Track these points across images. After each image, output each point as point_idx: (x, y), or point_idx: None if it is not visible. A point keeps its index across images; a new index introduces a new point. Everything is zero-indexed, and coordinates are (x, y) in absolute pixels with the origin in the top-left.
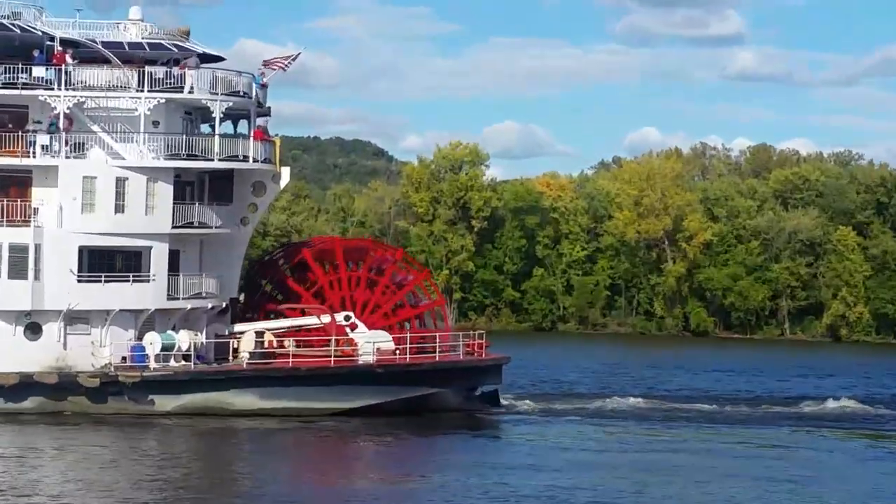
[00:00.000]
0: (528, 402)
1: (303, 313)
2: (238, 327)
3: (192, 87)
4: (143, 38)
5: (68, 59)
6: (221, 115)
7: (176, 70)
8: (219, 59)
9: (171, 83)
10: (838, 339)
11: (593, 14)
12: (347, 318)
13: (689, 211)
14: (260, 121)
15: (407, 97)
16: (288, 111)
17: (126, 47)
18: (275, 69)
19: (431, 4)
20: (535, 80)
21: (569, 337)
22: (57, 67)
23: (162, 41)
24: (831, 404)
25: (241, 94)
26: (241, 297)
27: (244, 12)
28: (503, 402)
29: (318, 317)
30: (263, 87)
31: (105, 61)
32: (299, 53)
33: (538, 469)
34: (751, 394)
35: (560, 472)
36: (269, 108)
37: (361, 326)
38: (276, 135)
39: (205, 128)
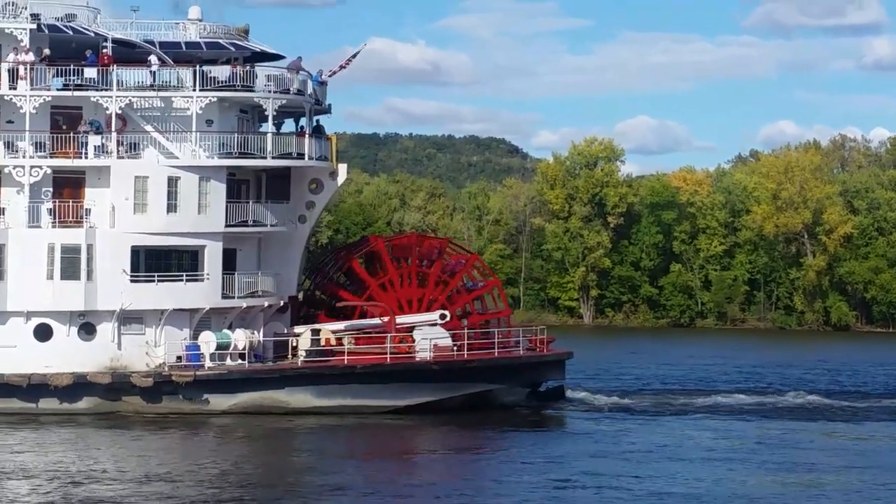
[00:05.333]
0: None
1: (362, 315)
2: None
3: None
4: (200, 38)
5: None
6: (275, 113)
7: (238, 69)
8: (277, 57)
9: (225, 82)
10: None
11: (725, 6)
12: (443, 317)
13: (828, 204)
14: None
15: (539, 94)
16: (419, 110)
17: (183, 47)
18: (335, 68)
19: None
20: (667, 75)
21: (708, 332)
22: (104, 68)
23: (219, 40)
24: None
25: (296, 91)
26: (300, 296)
27: (373, 11)
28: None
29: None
30: (322, 84)
31: (160, 61)
32: (359, 51)
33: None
34: None
35: None
36: (330, 105)
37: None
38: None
39: (266, 126)
